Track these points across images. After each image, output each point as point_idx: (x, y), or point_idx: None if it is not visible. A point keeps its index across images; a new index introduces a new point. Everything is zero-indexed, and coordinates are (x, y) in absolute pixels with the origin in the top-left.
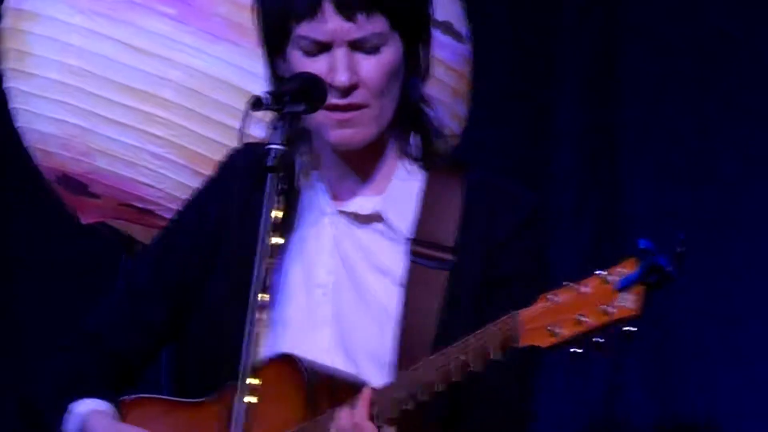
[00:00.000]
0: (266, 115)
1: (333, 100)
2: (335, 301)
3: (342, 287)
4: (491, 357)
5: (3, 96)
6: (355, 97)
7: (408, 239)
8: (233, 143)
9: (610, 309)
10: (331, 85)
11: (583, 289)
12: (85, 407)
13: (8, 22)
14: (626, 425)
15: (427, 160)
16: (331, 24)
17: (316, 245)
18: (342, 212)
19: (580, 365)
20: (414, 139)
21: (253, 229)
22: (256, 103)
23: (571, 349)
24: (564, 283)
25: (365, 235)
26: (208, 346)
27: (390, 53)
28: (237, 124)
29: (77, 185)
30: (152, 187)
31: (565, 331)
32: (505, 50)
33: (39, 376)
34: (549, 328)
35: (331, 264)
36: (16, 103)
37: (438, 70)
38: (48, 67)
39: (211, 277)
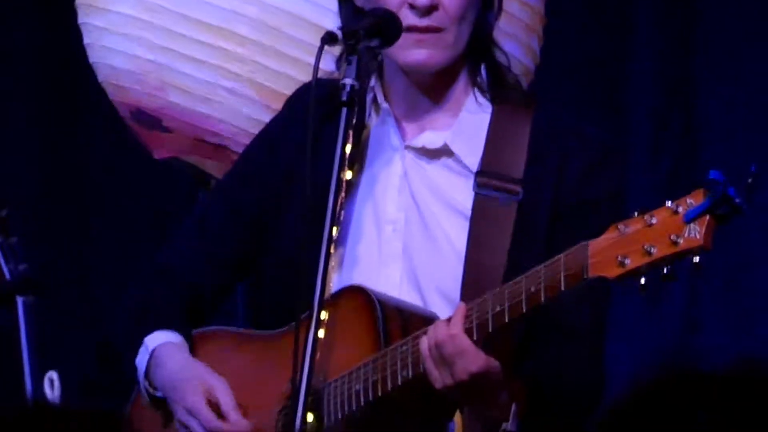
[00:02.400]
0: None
1: (411, 20)
2: (405, 237)
3: (411, 223)
4: (561, 288)
5: (78, 32)
6: (434, 20)
7: (475, 172)
8: (307, 79)
9: (678, 240)
10: (411, 5)
11: (652, 220)
12: (157, 339)
13: None
14: (702, 361)
15: (497, 92)
16: None
17: (386, 182)
18: (411, 148)
19: (655, 302)
20: (485, 73)
21: (324, 165)
22: (331, 39)
23: (641, 280)
24: (634, 213)
25: (434, 170)
26: (281, 281)
27: None
28: (311, 60)
29: (151, 120)
30: (226, 122)
31: (634, 262)
32: None
33: (114, 312)
34: (618, 258)
35: (400, 200)
36: (90, 39)
37: (512, 6)
38: (122, 2)
39: (283, 212)
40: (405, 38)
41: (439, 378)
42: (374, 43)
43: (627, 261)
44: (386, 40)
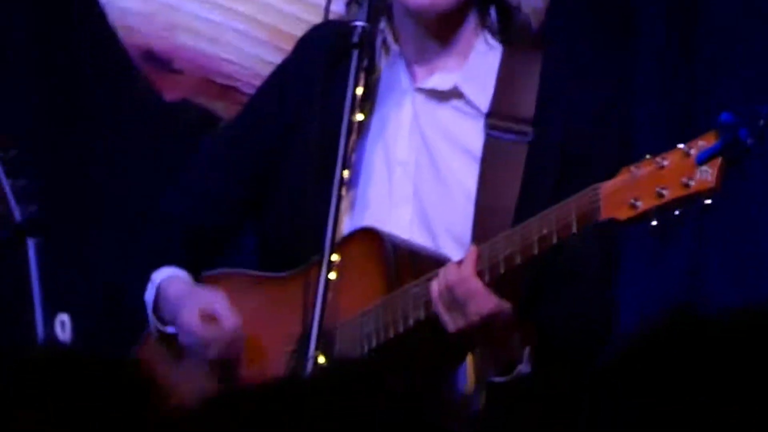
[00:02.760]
0: None
1: None
2: (416, 179)
3: (422, 165)
4: (573, 230)
5: None
6: None
7: (486, 114)
8: (317, 20)
9: (689, 182)
10: None
11: (663, 163)
12: (163, 273)
13: None
14: (708, 306)
15: (506, 33)
16: None
17: (396, 124)
18: (421, 89)
19: (659, 251)
20: (494, 14)
21: (334, 107)
22: None
23: (652, 222)
24: (645, 156)
25: (444, 112)
26: (290, 223)
27: None
28: (320, 1)
29: (161, 62)
30: (234, 63)
31: (645, 204)
32: None
33: (123, 256)
34: (629, 201)
35: (410, 142)
36: None
37: None
38: None
39: (292, 154)
40: None
41: (450, 321)
42: None
43: (638, 203)
44: None
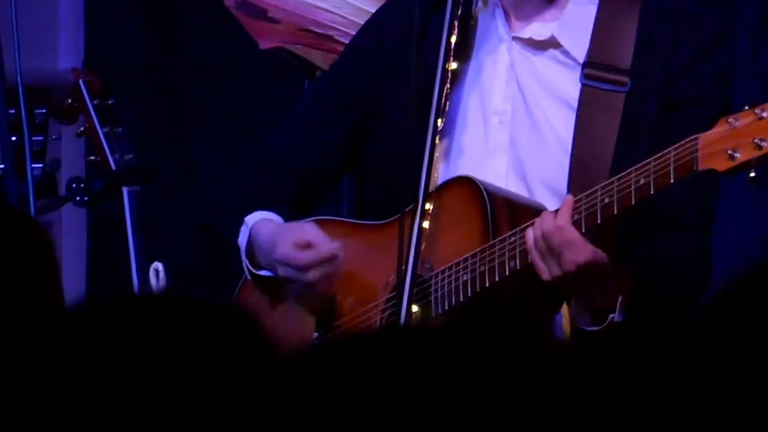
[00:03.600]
0: None
1: None
2: (512, 129)
3: (518, 114)
4: (671, 180)
5: None
6: None
7: (582, 63)
8: None
9: None
10: None
11: (763, 114)
12: (256, 217)
13: None
14: None
15: None
16: None
17: (492, 73)
18: (518, 38)
19: (758, 202)
20: None
21: (430, 55)
22: None
23: (750, 173)
24: (745, 107)
25: (541, 62)
26: (387, 171)
27: None
28: None
29: (256, 10)
30: (330, 12)
31: (744, 155)
32: None
33: (219, 197)
34: (728, 151)
35: (507, 91)
36: None
37: None
38: None
39: (390, 101)
40: None
41: (545, 269)
42: None
43: (737, 154)
44: None
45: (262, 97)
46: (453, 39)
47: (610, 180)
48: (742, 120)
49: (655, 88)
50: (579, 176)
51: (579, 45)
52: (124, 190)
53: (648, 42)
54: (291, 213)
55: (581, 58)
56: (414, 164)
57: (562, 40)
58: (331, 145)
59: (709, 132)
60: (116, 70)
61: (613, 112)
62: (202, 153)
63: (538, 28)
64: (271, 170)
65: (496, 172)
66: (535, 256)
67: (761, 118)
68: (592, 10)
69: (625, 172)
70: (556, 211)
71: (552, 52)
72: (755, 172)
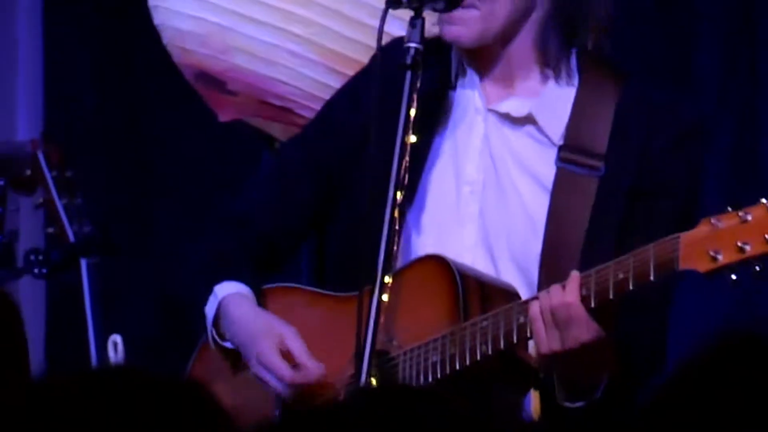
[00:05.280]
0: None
1: None
2: (482, 200)
3: (490, 186)
4: (650, 278)
5: None
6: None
7: (558, 145)
8: (372, 42)
9: None
10: None
11: (747, 217)
12: (226, 289)
13: None
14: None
15: (587, 65)
16: None
17: (467, 142)
18: (494, 111)
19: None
20: (562, 46)
21: (395, 127)
22: (395, 2)
23: (732, 276)
24: (727, 209)
25: (516, 137)
26: (350, 241)
27: None
28: (376, 23)
29: (215, 82)
30: (290, 85)
31: (726, 258)
32: None
33: (183, 263)
34: (710, 253)
35: (480, 162)
36: (155, 1)
37: None
38: None
39: (356, 173)
40: (444, 13)
41: (545, 342)
42: (439, 6)
43: (719, 256)
44: (450, 4)
45: (221, 167)
46: (412, 112)
47: (589, 271)
48: (726, 222)
49: (629, 174)
50: (550, 258)
51: (556, 125)
52: (83, 261)
53: (624, 129)
54: (255, 277)
55: (556, 138)
56: (377, 237)
57: (539, 119)
58: (297, 201)
59: (692, 231)
60: (75, 141)
61: (586, 195)
62: (161, 223)
63: (516, 104)
64: (237, 233)
65: (464, 242)
66: (537, 327)
67: (745, 221)
68: (571, 93)
69: (605, 265)
70: (564, 285)
71: (528, 128)
72: (736, 275)
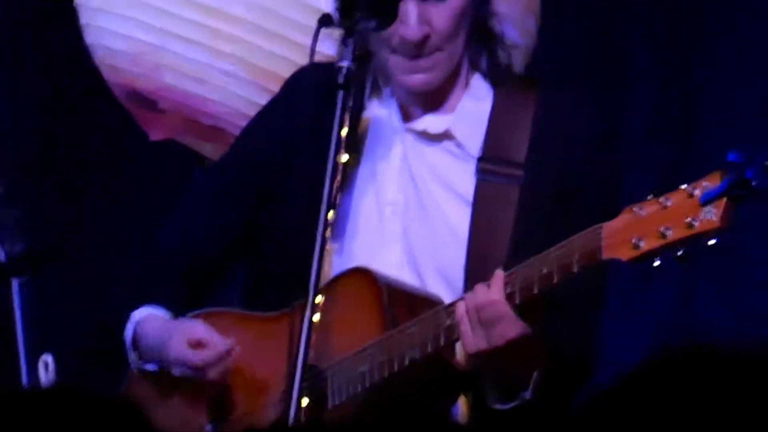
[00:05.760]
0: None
1: (404, 52)
2: (404, 219)
3: (411, 205)
4: (573, 270)
5: (73, 12)
6: (429, 47)
7: (477, 158)
8: (303, 60)
9: (694, 222)
10: (402, 37)
11: (667, 203)
12: (142, 312)
13: None
14: (700, 335)
15: (497, 74)
16: None
17: (386, 163)
18: (412, 130)
19: (651, 280)
20: (485, 61)
21: (322, 148)
22: (327, 20)
23: (655, 263)
24: (648, 196)
25: (435, 153)
26: (279, 264)
27: None
28: (307, 41)
29: (146, 101)
30: (221, 103)
31: (648, 244)
32: None
33: (112, 294)
34: (632, 240)
35: (400, 182)
36: (86, 20)
37: None
38: None
39: (282, 195)
40: (401, 63)
41: (472, 342)
42: (371, 24)
43: (642, 243)
44: (382, 23)
45: (156, 184)
46: (343, 132)
47: (516, 267)
48: (647, 209)
49: (550, 180)
50: (476, 270)
51: (474, 139)
52: (14, 281)
53: (542, 135)
54: (178, 305)
55: (475, 151)
56: (305, 257)
57: (457, 134)
58: (221, 228)
59: (614, 221)
60: (5, 157)
61: (508, 204)
62: (92, 244)
63: (432, 121)
64: (161, 262)
65: (390, 262)
66: (464, 327)
67: (666, 207)
68: (487, 106)
69: (527, 262)
70: (489, 284)
71: (446, 144)
72: (659, 261)
